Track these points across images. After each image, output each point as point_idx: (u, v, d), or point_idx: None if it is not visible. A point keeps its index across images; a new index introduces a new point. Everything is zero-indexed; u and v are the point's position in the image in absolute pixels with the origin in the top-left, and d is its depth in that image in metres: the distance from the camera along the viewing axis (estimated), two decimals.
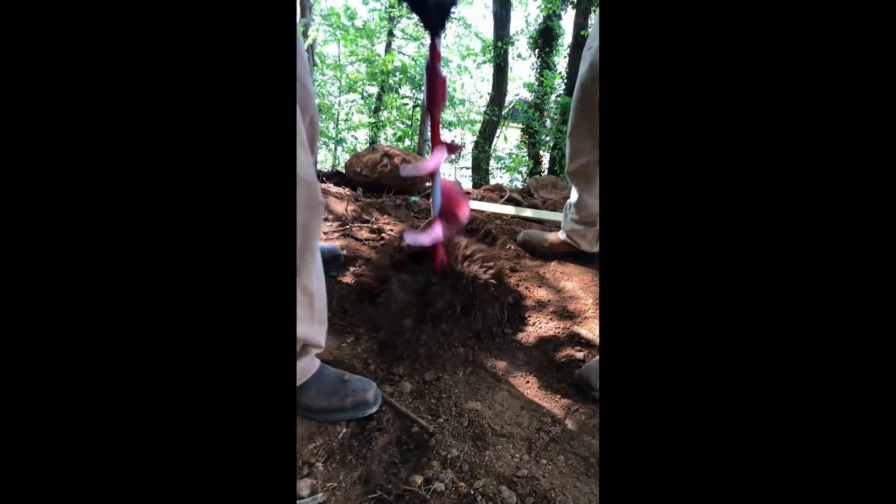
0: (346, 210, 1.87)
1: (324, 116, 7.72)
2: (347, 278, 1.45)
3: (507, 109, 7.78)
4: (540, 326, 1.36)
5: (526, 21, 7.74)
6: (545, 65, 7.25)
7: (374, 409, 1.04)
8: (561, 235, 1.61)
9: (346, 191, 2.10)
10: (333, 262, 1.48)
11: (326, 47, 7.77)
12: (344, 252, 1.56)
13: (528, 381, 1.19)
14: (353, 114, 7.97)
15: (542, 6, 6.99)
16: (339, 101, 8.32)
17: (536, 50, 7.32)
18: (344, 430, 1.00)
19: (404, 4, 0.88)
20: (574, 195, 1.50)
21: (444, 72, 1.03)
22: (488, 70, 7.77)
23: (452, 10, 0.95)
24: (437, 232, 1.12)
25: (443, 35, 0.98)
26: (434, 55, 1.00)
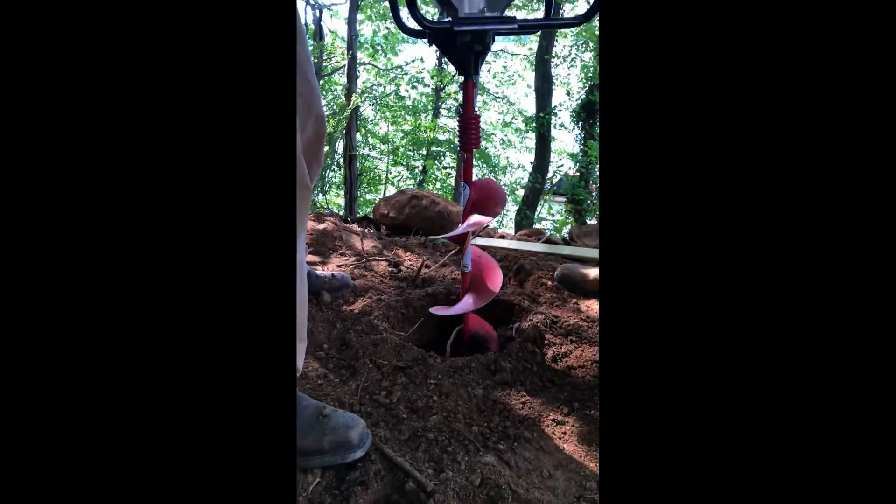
0: (363, 245, 1.72)
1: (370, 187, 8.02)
2: (356, 306, 1.27)
3: (550, 179, 7.78)
4: (586, 369, 1.10)
5: (567, 93, 7.93)
6: (588, 136, 7.27)
7: (358, 454, 0.80)
8: None
9: (368, 230, 1.97)
10: (344, 289, 1.36)
11: (374, 127, 8.24)
12: (356, 281, 1.40)
13: (565, 432, 0.91)
14: (399, 183, 8.23)
15: (584, 80, 7.15)
16: (388, 176, 8.66)
17: (580, 122, 7.40)
18: (316, 482, 0.76)
19: (434, 48, 0.98)
20: None
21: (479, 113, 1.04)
22: (531, 143, 7.90)
23: (484, 50, 0.94)
24: (467, 303, 1.08)
25: (475, 77, 0.98)
26: (467, 97, 0.99)
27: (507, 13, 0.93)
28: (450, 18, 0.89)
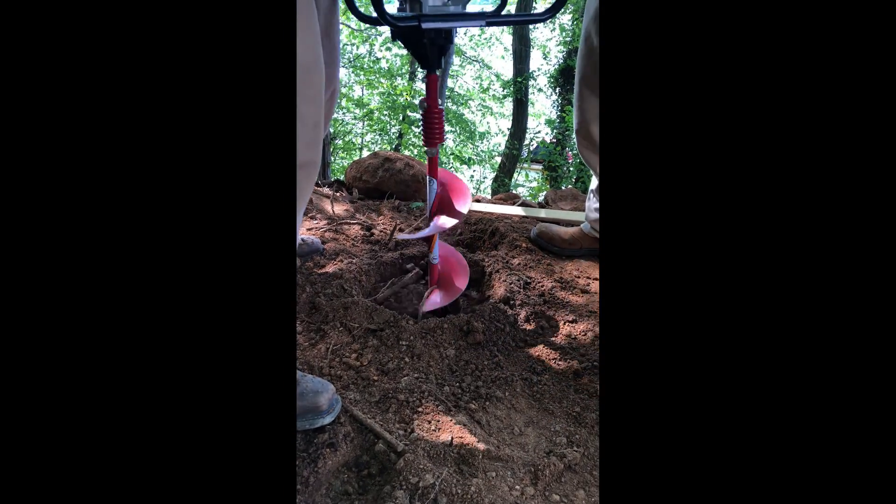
0: (334, 209, 1.67)
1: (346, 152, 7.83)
2: (327, 269, 1.23)
3: (528, 146, 7.72)
4: (558, 329, 1.10)
5: (544, 55, 7.77)
6: (566, 101, 7.19)
7: (327, 420, 0.79)
8: (584, 227, 1.37)
9: (339, 193, 1.91)
10: (314, 254, 1.33)
11: (350, 91, 7.96)
12: (326, 245, 1.36)
13: (536, 391, 0.91)
14: (375, 148, 8.06)
15: (562, 44, 7.01)
16: (364, 141, 8.44)
17: (557, 88, 7.29)
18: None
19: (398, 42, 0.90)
20: (595, 181, 1.28)
21: (449, 105, 1.06)
22: (509, 107, 7.77)
23: (448, 46, 0.90)
24: (434, 300, 1.12)
25: (439, 71, 0.94)
26: (431, 91, 0.95)
27: (472, 3, 0.87)
28: (413, 13, 0.83)
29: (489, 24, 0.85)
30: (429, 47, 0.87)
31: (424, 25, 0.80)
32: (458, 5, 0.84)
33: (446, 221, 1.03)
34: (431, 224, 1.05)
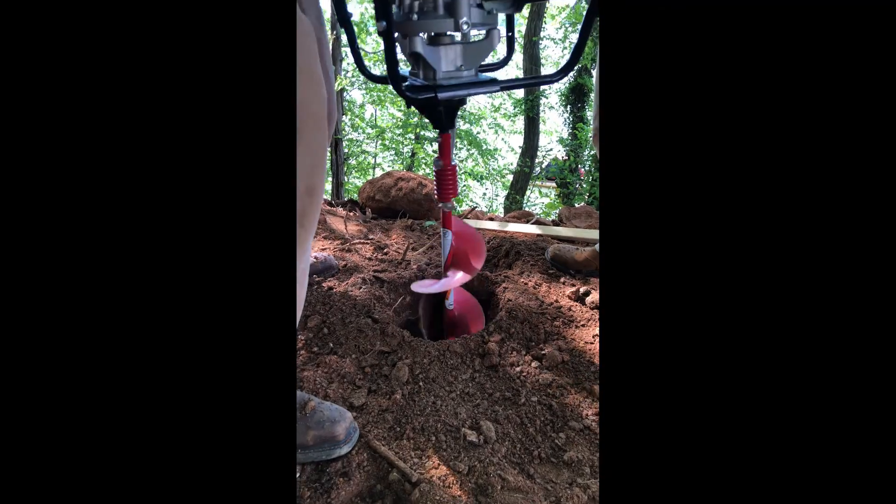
0: (347, 228, 1.67)
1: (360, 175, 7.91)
2: (339, 289, 1.22)
3: (540, 164, 7.72)
4: (577, 350, 1.07)
5: None
6: (577, 119, 7.19)
7: (344, 451, 0.76)
8: (598, 248, 1.34)
9: (352, 213, 1.91)
10: (327, 272, 1.33)
11: (361, 111, 8.07)
12: (341, 263, 1.35)
13: (555, 413, 0.88)
14: (388, 168, 8.13)
15: None
16: (377, 160, 8.52)
17: (568, 106, 7.31)
18: (296, 476, 0.72)
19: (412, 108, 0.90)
20: None
21: (456, 163, 1.03)
22: (520, 125, 7.80)
23: (461, 104, 0.91)
24: (425, 284, 1.14)
25: (452, 131, 0.96)
26: (444, 150, 0.96)
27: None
28: (427, 81, 0.83)
29: (503, 90, 0.87)
30: (443, 112, 0.87)
31: (441, 96, 0.79)
32: (470, 69, 0.84)
33: (461, 279, 1.06)
34: (444, 280, 1.07)
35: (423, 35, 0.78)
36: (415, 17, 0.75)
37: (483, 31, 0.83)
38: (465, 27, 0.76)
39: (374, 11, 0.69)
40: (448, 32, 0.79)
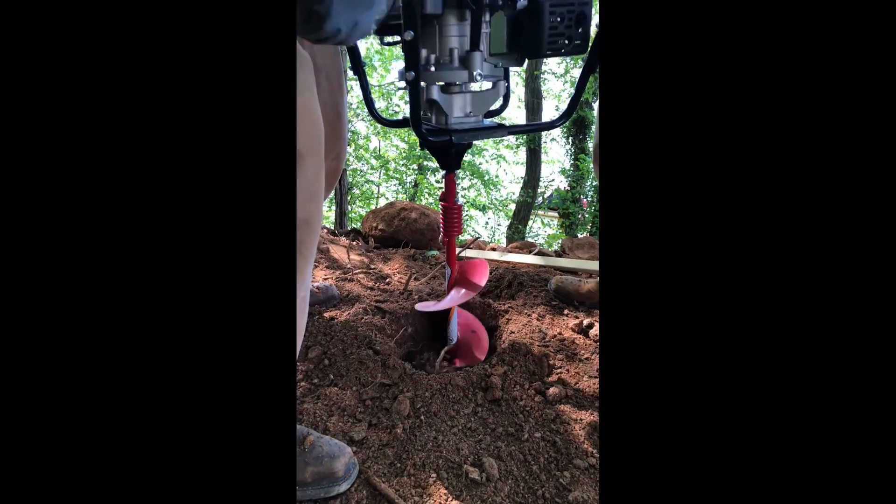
0: (349, 258, 1.67)
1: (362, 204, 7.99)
2: (340, 318, 1.21)
3: (542, 194, 7.78)
4: (580, 383, 1.05)
5: (556, 108, 7.98)
6: (580, 150, 7.29)
7: (343, 488, 0.74)
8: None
9: (355, 242, 1.92)
10: (329, 301, 1.32)
11: (366, 142, 8.22)
12: (343, 293, 1.35)
13: (559, 450, 0.86)
14: (392, 198, 8.20)
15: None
16: (380, 190, 8.61)
17: (570, 138, 7.42)
18: None
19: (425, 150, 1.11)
20: None
21: (461, 201, 1.16)
22: (523, 156, 7.90)
23: (468, 147, 0.99)
24: (427, 304, 1.16)
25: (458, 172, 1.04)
26: (449, 190, 1.03)
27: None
28: (439, 125, 0.91)
29: (510, 134, 0.96)
30: (453, 155, 0.96)
31: (456, 140, 0.87)
32: (478, 115, 0.92)
33: (464, 296, 1.08)
34: (448, 297, 1.09)
35: (439, 84, 0.86)
36: (432, 68, 0.84)
37: (490, 83, 0.91)
38: (478, 78, 0.84)
39: (403, 62, 0.78)
40: (461, 83, 0.87)
